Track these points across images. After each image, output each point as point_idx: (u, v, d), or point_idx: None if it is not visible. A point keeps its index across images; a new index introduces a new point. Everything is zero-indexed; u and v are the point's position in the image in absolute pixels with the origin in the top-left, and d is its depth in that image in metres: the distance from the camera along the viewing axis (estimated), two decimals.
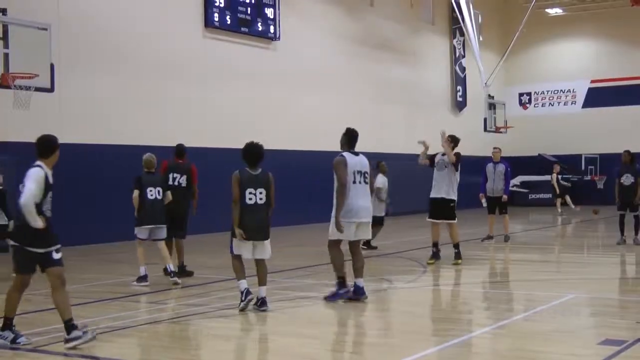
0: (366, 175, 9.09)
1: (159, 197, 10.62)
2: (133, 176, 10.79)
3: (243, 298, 8.36)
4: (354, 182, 8.91)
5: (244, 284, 8.45)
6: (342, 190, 8.82)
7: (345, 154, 9.10)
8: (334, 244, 9.10)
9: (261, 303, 8.33)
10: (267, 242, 8.47)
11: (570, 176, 29.55)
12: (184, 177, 11.48)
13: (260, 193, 8.40)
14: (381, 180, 15.17)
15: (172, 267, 10.70)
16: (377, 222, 13.53)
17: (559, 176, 26.82)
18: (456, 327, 8.13)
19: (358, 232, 9.04)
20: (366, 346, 7.20)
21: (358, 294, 8.95)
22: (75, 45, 16.63)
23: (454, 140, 13.22)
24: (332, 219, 8.94)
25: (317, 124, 22.79)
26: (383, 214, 15.03)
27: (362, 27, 25.49)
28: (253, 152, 8.60)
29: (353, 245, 9.15)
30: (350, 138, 9.31)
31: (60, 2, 16.43)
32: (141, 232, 10.58)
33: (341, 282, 9.03)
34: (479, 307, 9.38)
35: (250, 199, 8.33)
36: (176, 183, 11.36)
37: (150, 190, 10.54)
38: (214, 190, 19.44)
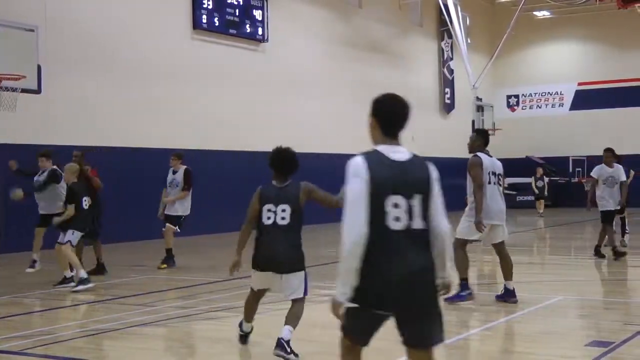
0: (500, 177, 9.08)
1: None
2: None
3: (241, 340, 6.97)
4: (489, 182, 8.92)
5: (245, 326, 6.93)
6: (480, 190, 8.78)
7: (481, 154, 9.02)
8: (461, 245, 9.09)
9: (278, 344, 6.31)
10: (294, 276, 6.39)
11: (558, 178, 29.70)
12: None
13: (283, 211, 6.37)
14: None
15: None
16: None
17: (547, 178, 27.10)
18: (444, 329, 8.14)
19: (491, 234, 9.04)
20: None
21: (508, 297, 8.98)
22: (62, 47, 16.56)
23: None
24: (465, 218, 8.98)
25: (305, 126, 22.78)
26: None
27: (350, 29, 25.51)
28: (280, 159, 6.75)
29: (498, 247, 9.17)
30: (485, 139, 9.24)
31: (47, 4, 16.36)
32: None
33: (464, 283, 8.99)
34: (467, 309, 9.38)
35: (268, 217, 6.37)
36: None
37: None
38: (203, 192, 19.41)
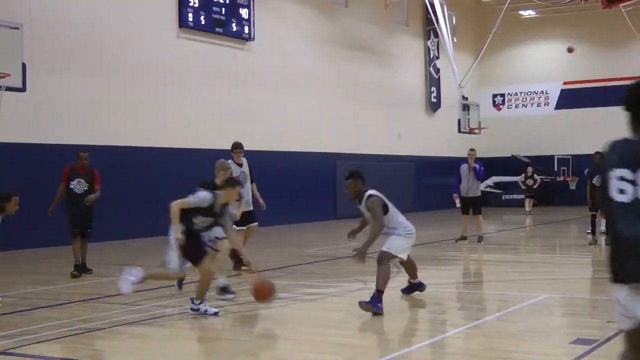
0: None
1: None
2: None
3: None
4: None
5: None
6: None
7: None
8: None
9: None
10: None
11: (543, 177, 29.84)
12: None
13: None
14: None
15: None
16: None
17: (538, 177, 27.37)
18: (429, 328, 8.18)
19: None
20: (339, 347, 7.19)
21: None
22: (47, 45, 16.48)
23: None
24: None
25: (292, 125, 22.78)
26: None
27: (336, 28, 25.52)
28: None
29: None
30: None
31: (32, 2, 16.28)
32: None
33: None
34: (452, 308, 9.42)
35: (620, 190, 3.56)
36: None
37: None
38: (190, 191, 19.35)
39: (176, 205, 7.98)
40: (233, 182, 8.50)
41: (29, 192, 13.76)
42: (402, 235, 8.74)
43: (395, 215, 8.72)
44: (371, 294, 8.42)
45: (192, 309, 8.14)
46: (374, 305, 8.22)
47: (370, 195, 8.62)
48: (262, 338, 7.25)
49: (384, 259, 8.60)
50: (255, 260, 11.78)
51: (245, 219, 11.69)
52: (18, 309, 8.86)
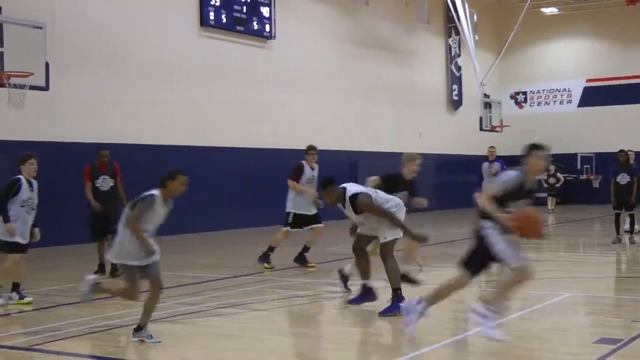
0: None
1: None
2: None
3: None
4: None
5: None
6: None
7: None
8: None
9: None
10: None
11: (566, 175, 29.65)
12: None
13: None
14: None
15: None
16: None
17: (561, 175, 27.36)
18: (452, 326, 8.14)
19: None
20: (360, 345, 7.19)
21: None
22: (70, 44, 16.59)
23: None
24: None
25: (313, 123, 22.76)
26: None
27: (357, 26, 25.48)
28: None
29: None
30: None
31: (55, 1, 16.39)
32: None
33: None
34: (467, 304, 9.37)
35: None
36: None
37: None
38: (208, 189, 19.44)
39: (487, 198, 6.64)
40: None
41: (53, 190, 13.85)
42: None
43: (385, 203, 8.41)
44: (390, 299, 8.30)
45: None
46: (395, 309, 8.03)
47: (354, 195, 8.23)
48: (284, 335, 7.26)
49: (388, 252, 8.40)
50: (279, 258, 11.78)
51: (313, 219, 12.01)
52: (43, 306, 8.94)
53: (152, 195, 6.74)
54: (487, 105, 29.48)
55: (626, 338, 6.90)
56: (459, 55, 31.12)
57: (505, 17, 32.14)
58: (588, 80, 32.62)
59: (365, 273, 8.64)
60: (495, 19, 33.15)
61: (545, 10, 32.36)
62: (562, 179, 27.64)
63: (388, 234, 8.36)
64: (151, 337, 6.90)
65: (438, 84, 30.49)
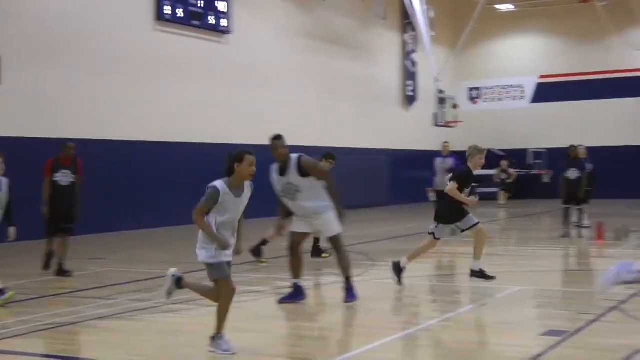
0: None
1: None
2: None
3: None
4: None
5: None
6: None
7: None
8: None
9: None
10: None
11: (518, 171, 30.14)
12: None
13: None
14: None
15: None
16: None
17: (513, 170, 27.91)
18: (403, 320, 8.23)
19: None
20: (312, 340, 7.23)
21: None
22: (22, 38, 16.32)
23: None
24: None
25: (270, 118, 22.74)
26: None
27: (314, 21, 25.50)
28: None
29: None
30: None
31: None
32: None
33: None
34: (425, 300, 9.49)
35: None
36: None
37: None
38: (162, 184, 19.31)
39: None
40: None
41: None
42: (329, 207, 8.52)
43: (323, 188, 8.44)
44: (344, 287, 8.48)
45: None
46: (351, 296, 8.39)
47: (301, 155, 8.29)
48: (236, 331, 7.24)
49: (338, 243, 8.57)
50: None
51: None
52: None
53: (214, 187, 6.25)
54: (442, 101, 29.74)
55: (572, 330, 7.06)
56: (414, 51, 31.33)
57: (461, 13, 32.42)
58: (541, 77, 33.15)
59: (297, 272, 8.67)
60: (451, 15, 33.44)
61: (500, 7, 32.75)
62: (514, 174, 28.11)
63: (332, 228, 8.50)
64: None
65: (393, 80, 30.68)
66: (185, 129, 20.32)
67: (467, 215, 9.49)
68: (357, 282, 8.98)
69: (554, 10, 32.08)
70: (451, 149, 18.36)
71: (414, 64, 31.36)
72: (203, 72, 21.08)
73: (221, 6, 21.48)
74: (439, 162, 17.07)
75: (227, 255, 6.28)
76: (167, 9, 19.90)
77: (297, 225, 8.65)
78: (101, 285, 10.07)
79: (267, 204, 11.61)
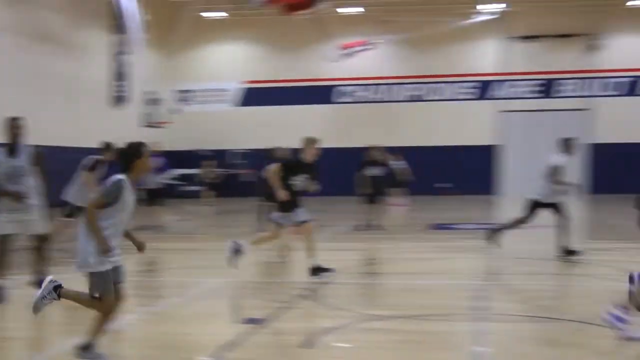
0: None
1: None
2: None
3: None
4: None
5: None
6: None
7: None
8: None
9: None
10: None
11: (222, 170, 31.38)
12: None
13: None
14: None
15: None
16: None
17: (217, 170, 28.83)
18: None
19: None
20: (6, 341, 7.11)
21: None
22: None
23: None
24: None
25: None
26: None
27: (22, 17, 24.28)
28: None
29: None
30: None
31: None
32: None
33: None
34: (129, 295, 9.66)
35: None
36: None
37: None
38: None
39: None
40: None
41: None
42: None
43: None
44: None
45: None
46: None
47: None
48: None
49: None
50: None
51: None
52: None
53: (121, 179, 5.86)
54: (152, 102, 29.85)
55: (267, 317, 7.74)
56: (126, 53, 30.98)
57: (174, 18, 32.77)
58: (248, 82, 34.71)
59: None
60: (163, 19, 33.59)
61: (211, 15, 33.65)
62: (218, 173, 29.27)
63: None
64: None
65: (104, 79, 30.13)
66: None
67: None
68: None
69: (259, 20, 33.64)
70: (161, 149, 18.63)
71: (125, 64, 31.01)
72: None
73: None
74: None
75: (111, 261, 5.99)
76: None
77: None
78: None
79: None
